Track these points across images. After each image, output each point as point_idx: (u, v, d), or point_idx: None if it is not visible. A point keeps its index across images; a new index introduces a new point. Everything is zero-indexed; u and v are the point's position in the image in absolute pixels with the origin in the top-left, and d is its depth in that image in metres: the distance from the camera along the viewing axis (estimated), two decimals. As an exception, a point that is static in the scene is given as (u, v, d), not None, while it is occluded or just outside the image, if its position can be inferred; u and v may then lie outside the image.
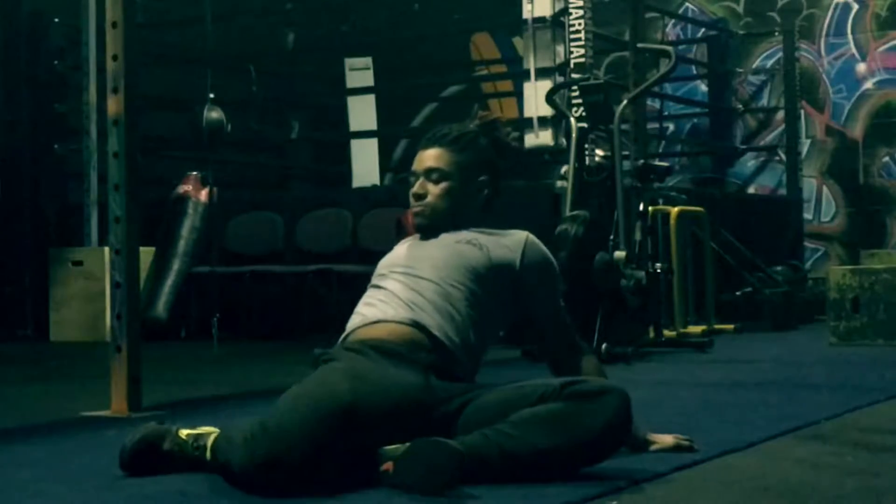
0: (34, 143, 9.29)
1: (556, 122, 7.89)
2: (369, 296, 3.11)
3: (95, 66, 8.66)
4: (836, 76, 10.45)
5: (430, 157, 3.18)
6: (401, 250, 3.23)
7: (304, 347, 3.52)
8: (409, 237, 3.29)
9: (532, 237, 3.15)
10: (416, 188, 3.19)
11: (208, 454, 2.74)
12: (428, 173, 3.17)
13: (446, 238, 3.14)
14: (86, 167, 8.86)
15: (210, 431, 2.82)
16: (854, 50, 10.38)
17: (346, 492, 2.57)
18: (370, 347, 2.88)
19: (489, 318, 3.07)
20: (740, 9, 10.95)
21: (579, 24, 7.72)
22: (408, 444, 2.58)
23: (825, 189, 10.51)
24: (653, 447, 3.03)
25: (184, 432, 2.83)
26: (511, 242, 3.11)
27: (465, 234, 3.13)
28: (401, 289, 3.04)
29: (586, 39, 7.70)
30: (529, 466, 2.68)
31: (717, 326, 7.58)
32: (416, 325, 2.94)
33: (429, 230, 3.18)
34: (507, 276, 3.07)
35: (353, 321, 3.04)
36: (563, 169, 6.86)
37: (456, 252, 3.09)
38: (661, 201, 7.59)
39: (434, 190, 3.16)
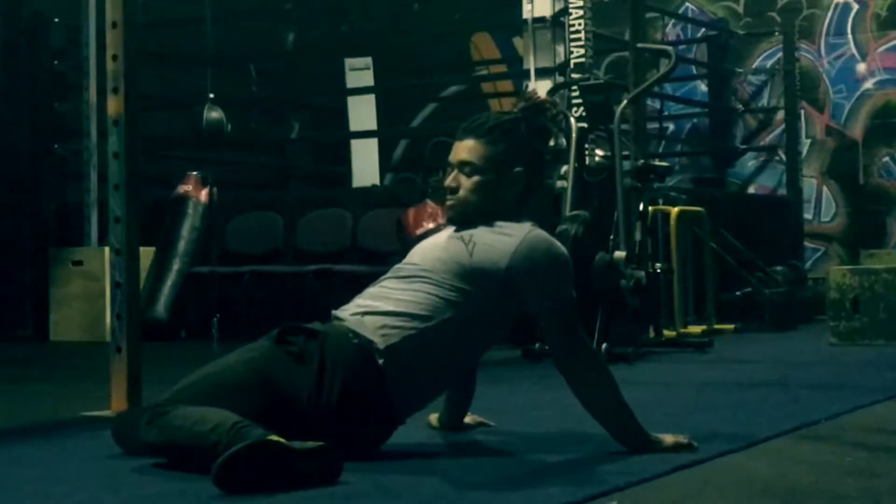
0: (34, 143, 9.29)
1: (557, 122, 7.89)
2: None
3: (95, 66, 8.66)
4: (836, 76, 10.44)
5: (464, 148, 3.15)
6: (423, 242, 3.29)
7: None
8: (448, 227, 3.29)
9: (532, 235, 3.06)
10: (449, 180, 3.16)
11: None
12: (461, 166, 3.15)
13: (445, 233, 3.18)
14: (86, 167, 8.86)
15: None
16: (854, 50, 10.38)
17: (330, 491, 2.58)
18: (306, 334, 3.03)
19: (473, 309, 3.06)
20: (740, 9, 10.94)
21: (579, 24, 7.72)
22: None
23: (825, 189, 10.51)
24: (653, 447, 3.03)
25: None
26: (504, 244, 3.05)
27: (467, 231, 3.12)
28: (375, 289, 3.16)
29: (586, 39, 7.69)
30: None
31: (717, 326, 7.57)
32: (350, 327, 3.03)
33: (459, 224, 3.18)
34: (492, 277, 3.04)
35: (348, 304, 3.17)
36: (563, 169, 6.86)
37: (443, 247, 3.12)
38: (661, 201, 7.59)
39: (466, 184, 3.14)
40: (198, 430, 2.74)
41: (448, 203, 3.19)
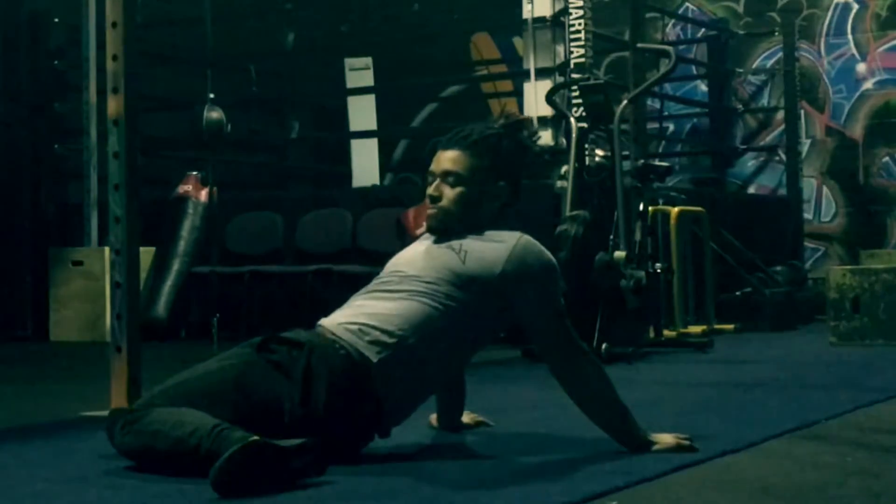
0: (34, 143, 9.29)
1: (556, 122, 7.89)
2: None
3: (95, 66, 8.66)
4: (836, 76, 10.45)
5: (448, 158, 3.15)
6: (401, 252, 3.26)
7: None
8: (425, 235, 3.29)
9: (523, 242, 3.06)
10: (431, 189, 3.17)
11: None
12: (445, 175, 3.15)
13: (425, 242, 3.18)
14: (86, 167, 8.85)
15: None
16: (854, 50, 10.38)
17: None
18: (290, 344, 2.98)
19: (467, 318, 3.04)
20: (740, 9, 10.94)
21: (579, 24, 7.72)
22: None
23: (825, 189, 10.51)
24: (653, 447, 3.03)
25: None
26: (495, 251, 3.04)
27: (455, 241, 3.11)
28: (362, 300, 3.12)
29: (586, 39, 7.69)
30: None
31: (717, 326, 7.58)
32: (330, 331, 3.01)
33: (440, 233, 3.17)
34: (485, 284, 3.02)
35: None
36: (563, 169, 6.85)
37: (433, 254, 3.10)
38: (661, 201, 7.59)
39: (449, 194, 3.14)
40: (176, 434, 2.72)
41: (430, 212, 3.19)
